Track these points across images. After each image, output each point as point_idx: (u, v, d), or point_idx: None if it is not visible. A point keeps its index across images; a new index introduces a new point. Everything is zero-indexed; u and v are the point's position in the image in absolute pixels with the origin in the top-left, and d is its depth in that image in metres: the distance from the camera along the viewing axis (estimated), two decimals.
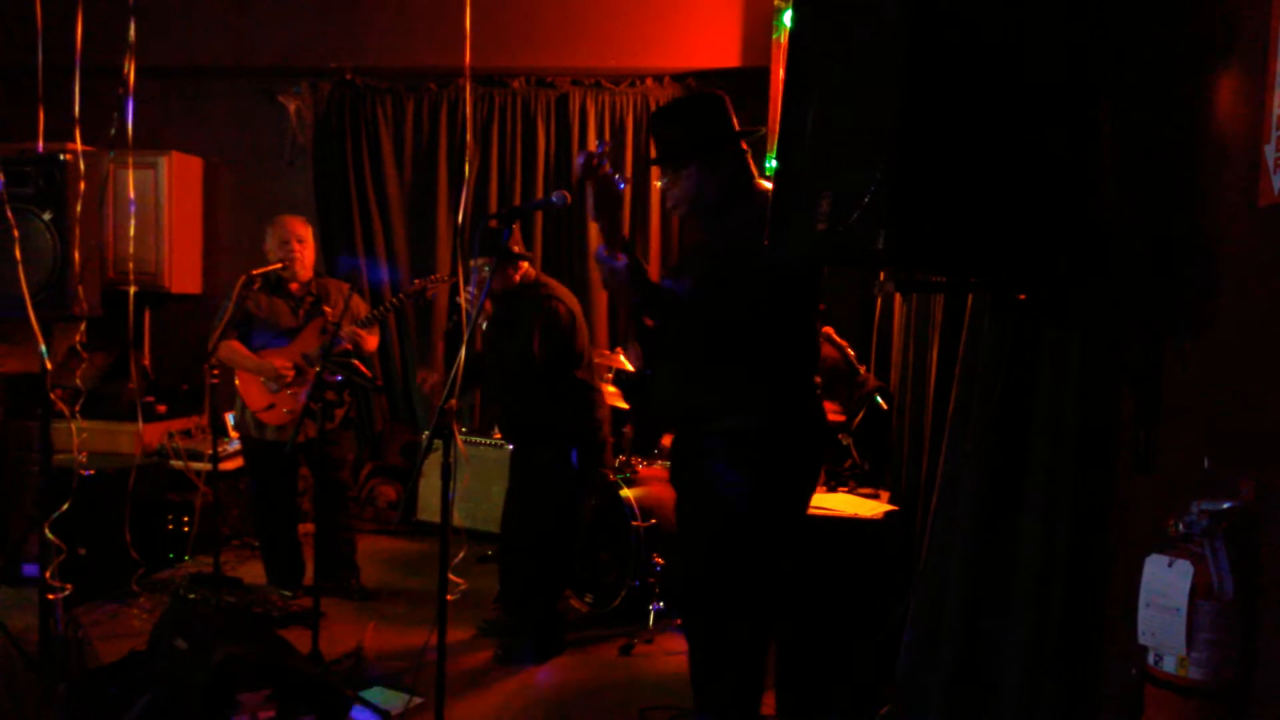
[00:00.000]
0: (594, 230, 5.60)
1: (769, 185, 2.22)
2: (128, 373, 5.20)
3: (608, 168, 2.39)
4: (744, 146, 2.59)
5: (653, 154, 2.59)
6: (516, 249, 3.86)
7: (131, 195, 4.47)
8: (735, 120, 2.58)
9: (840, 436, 3.63)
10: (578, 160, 2.45)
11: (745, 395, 2.45)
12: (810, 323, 2.58)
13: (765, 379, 2.45)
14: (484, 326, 3.82)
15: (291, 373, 4.19)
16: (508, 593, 4.08)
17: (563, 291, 3.90)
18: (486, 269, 3.73)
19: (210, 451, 3.88)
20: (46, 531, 3.17)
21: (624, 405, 4.40)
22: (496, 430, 5.27)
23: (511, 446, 4.21)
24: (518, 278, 3.85)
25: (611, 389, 4.36)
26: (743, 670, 2.54)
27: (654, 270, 4.43)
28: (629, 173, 5.66)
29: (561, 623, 3.95)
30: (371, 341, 4.26)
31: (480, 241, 3.96)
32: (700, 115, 2.56)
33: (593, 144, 5.56)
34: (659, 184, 2.67)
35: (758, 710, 2.62)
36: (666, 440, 4.31)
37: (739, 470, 2.43)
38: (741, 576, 2.49)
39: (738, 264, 2.40)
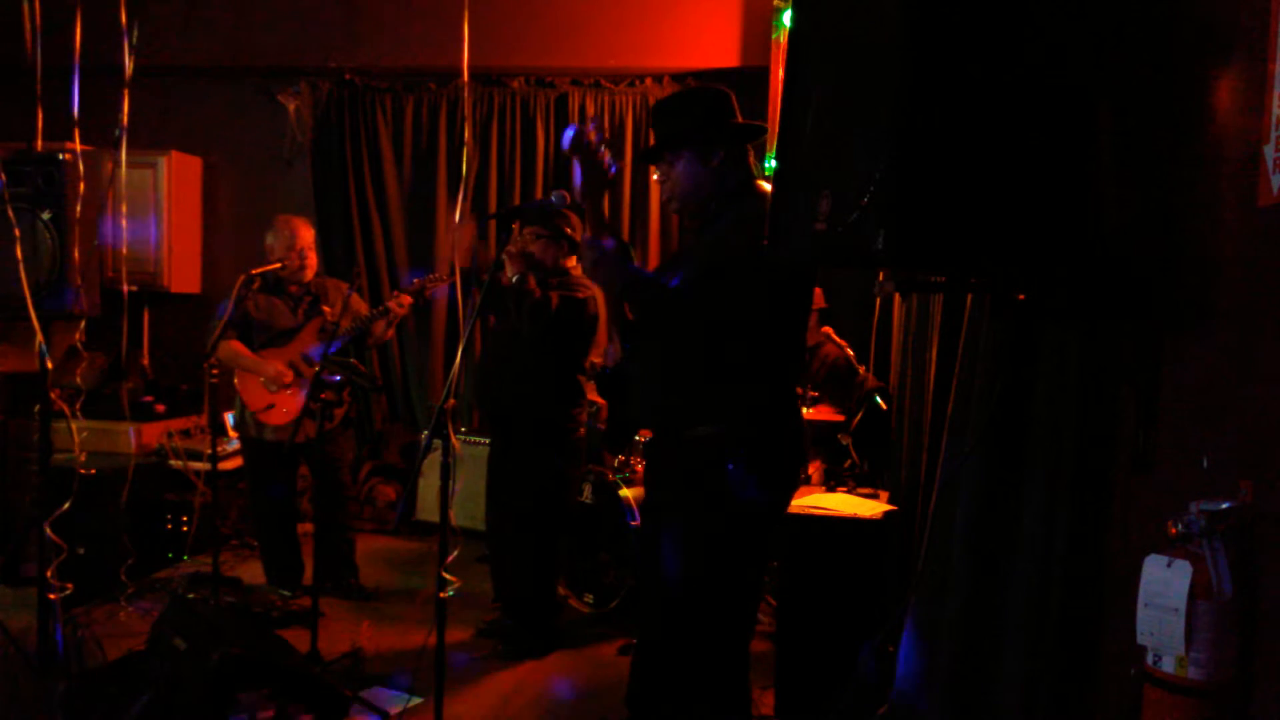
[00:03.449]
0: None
1: (768, 186, 2.17)
2: (127, 372, 5.20)
3: (593, 137, 2.33)
4: (747, 147, 2.52)
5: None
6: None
7: (126, 199, 4.46)
8: (739, 118, 2.50)
9: (840, 436, 3.64)
10: (565, 133, 2.36)
11: (726, 400, 2.36)
12: (799, 330, 2.51)
13: (747, 383, 2.37)
14: (514, 280, 3.77)
15: (291, 374, 4.18)
16: (501, 590, 4.08)
17: (599, 294, 3.90)
18: (537, 238, 3.77)
19: (209, 451, 3.87)
20: (46, 531, 3.17)
21: (600, 400, 4.39)
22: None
23: (489, 441, 4.18)
24: (567, 263, 3.85)
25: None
26: (727, 683, 2.47)
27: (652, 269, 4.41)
28: (628, 174, 5.65)
29: (558, 612, 3.97)
30: (384, 329, 4.24)
31: (536, 209, 3.90)
32: (695, 106, 2.50)
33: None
34: (656, 178, 2.62)
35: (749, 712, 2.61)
36: (645, 434, 4.27)
37: (717, 475, 2.34)
38: (719, 581, 2.41)
39: (727, 264, 2.32)
